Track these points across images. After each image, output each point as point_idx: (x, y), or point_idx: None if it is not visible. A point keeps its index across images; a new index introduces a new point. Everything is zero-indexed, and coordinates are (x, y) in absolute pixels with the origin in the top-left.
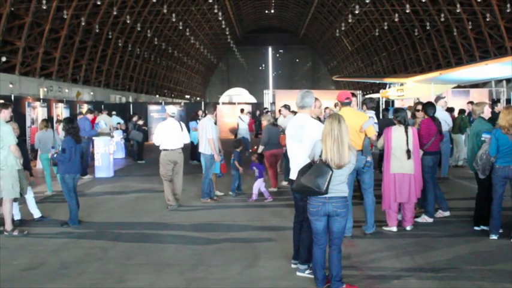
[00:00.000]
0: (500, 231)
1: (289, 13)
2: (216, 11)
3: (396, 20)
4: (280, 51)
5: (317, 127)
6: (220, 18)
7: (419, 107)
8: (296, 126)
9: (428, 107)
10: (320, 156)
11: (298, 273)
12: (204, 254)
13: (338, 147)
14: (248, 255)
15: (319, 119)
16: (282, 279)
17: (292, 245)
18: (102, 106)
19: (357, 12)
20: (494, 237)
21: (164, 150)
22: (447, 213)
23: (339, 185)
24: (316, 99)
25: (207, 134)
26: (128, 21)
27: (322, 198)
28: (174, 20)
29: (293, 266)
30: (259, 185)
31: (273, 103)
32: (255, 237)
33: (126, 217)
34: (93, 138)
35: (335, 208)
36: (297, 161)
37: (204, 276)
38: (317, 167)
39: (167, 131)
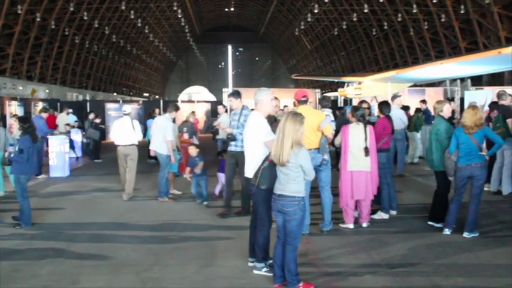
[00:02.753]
0: (454, 226)
1: (249, 11)
2: (175, 8)
3: (355, 19)
4: (240, 49)
5: (256, 123)
6: (179, 16)
7: (365, 105)
8: (247, 124)
9: (384, 106)
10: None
11: (255, 272)
12: (160, 254)
13: (280, 144)
14: (205, 254)
15: (274, 117)
16: (239, 277)
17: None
18: (59, 104)
19: (316, 11)
20: (447, 232)
21: (118, 145)
22: (387, 216)
23: (288, 184)
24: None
25: (166, 135)
26: (85, 18)
27: (274, 194)
28: (132, 17)
29: (250, 264)
30: (222, 179)
31: None
32: (212, 236)
33: (81, 217)
34: (48, 136)
35: (282, 206)
36: (248, 158)
37: (160, 276)
38: (261, 162)
39: (120, 128)
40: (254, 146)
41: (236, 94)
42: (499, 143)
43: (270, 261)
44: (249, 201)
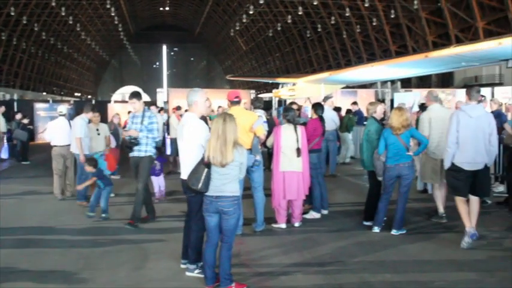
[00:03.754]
0: (383, 224)
1: (184, 11)
2: (108, 6)
3: (289, 21)
4: (175, 49)
5: (195, 125)
6: (112, 14)
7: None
8: (180, 126)
9: (318, 107)
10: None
11: (188, 273)
12: (90, 258)
13: (221, 146)
14: (136, 257)
15: (207, 118)
16: (171, 280)
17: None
18: None
19: (251, 12)
20: (376, 230)
21: (54, 146)
22: (318, 216)
23: (226, 184)
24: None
25: (76, 133)
26: (13, 14)
27: (210, 196)
28: (63, 14)
29: (182, 266)
30: (158, 182)
31: (167, 102)
32: (144, 239)
33: (6, 222)
34: None
35: (221, 207)
36: (183, 160)
37: (90, 281)
38: (196, 165)
39: (56, 129)
40: (193, 148)
41: (139, 95)
42: (424, 143)
43: (202, 263)
44: (152, 206)
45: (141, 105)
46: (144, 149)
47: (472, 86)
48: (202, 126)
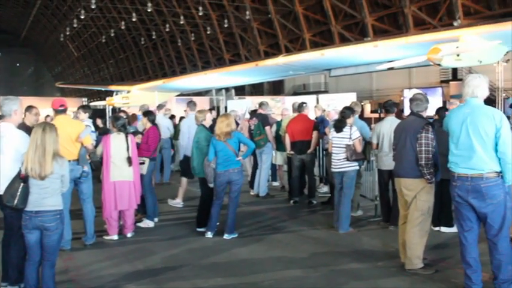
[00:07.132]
0: (215, 229)
1: (7, 12)
2: None
3: (123, 27)
4: None
5: (17, 137)
6: None
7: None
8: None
9: (149, 115)
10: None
11: None
12: None
13: (39, 157)
14: None
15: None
16: None
17: (1, 265)
18: None
19: (82, 17)
20: (209, 235)
21: None
22: (152, 224)
23: (47, 198)
24: (31, 107)
25: None
26: None
27: (30, 211)
28: None
29: None
30: None
31: None
32: None
33: None
34: None
35: (42, 222)
36: (1, 174)
37: None
38: (12, 180)
39: None
40: (12, 160)
41: None
42: (251, 147)
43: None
44: None
45: None
46: None
47: (191, 101)
48: (24, 137)
